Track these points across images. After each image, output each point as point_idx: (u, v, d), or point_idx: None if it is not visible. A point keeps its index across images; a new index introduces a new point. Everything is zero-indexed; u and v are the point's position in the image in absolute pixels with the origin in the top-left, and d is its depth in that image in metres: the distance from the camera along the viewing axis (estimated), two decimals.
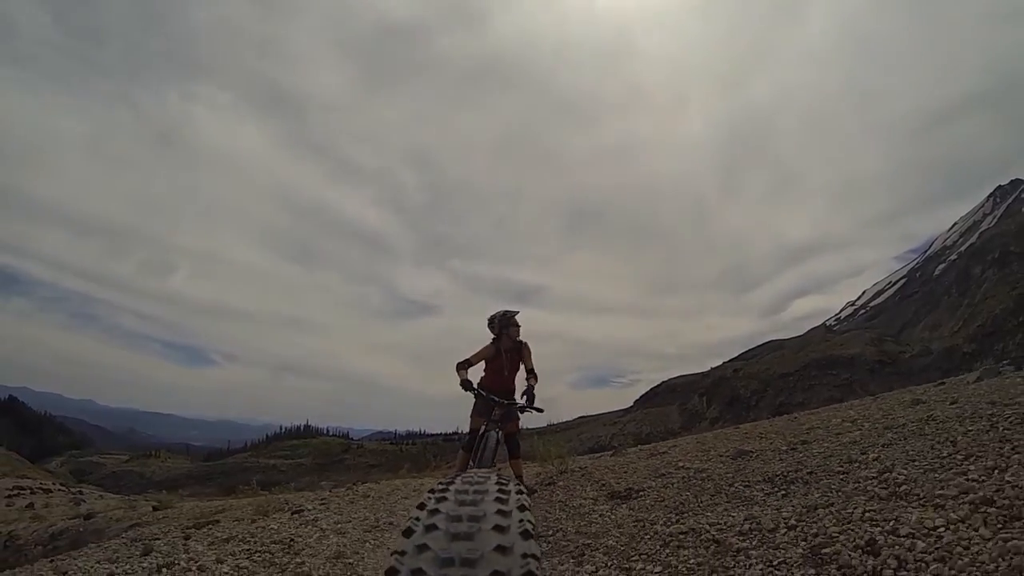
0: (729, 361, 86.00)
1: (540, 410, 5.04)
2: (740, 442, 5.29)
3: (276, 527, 5.64)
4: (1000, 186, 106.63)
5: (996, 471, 2.60)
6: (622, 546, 3.14)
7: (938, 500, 2.48)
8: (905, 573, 2.08)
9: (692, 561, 2.69)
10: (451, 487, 1.81)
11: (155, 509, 10.86)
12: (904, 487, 2.73)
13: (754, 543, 2.67)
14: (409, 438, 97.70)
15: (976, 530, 2.15)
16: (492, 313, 5.41)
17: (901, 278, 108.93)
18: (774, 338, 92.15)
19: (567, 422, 43.11)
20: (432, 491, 1.80)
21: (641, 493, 4.17)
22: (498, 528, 1.63)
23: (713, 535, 2.87)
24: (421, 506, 1.74)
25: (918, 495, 2.61)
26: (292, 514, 6.32)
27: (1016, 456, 2.72)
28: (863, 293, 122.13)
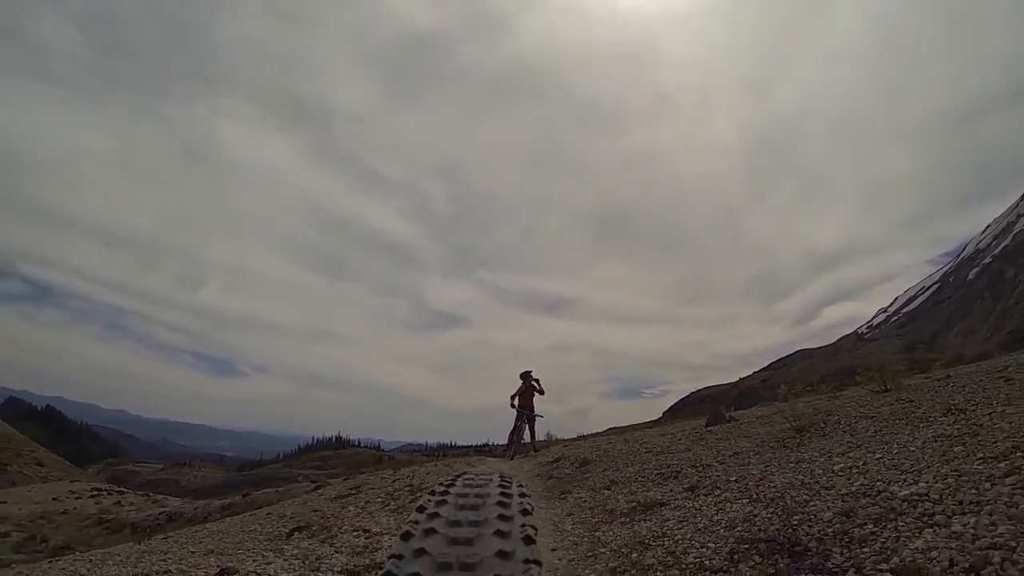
0: (759, 371, 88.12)
1: (541, 416, 11.23)
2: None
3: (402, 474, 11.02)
4: None
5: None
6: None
7: None
8: None
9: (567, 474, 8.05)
10: (451, 490, 1.75)
11: (315, 487, 16.35)
12: None
13: (608, 449, 7.95)
14: (440, 450, 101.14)
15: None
16: (521, 371, 11.47)
17: (934, 283, 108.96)
18: (804, 347, 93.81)
19: (596, 433, 47.17)
20: (432, 494, 1.73)
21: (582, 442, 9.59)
22: (499, 533, 1.61)
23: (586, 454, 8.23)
24: (420, 509, 1.68)
25: None
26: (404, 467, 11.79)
27: None
28: (895, 299, 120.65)
